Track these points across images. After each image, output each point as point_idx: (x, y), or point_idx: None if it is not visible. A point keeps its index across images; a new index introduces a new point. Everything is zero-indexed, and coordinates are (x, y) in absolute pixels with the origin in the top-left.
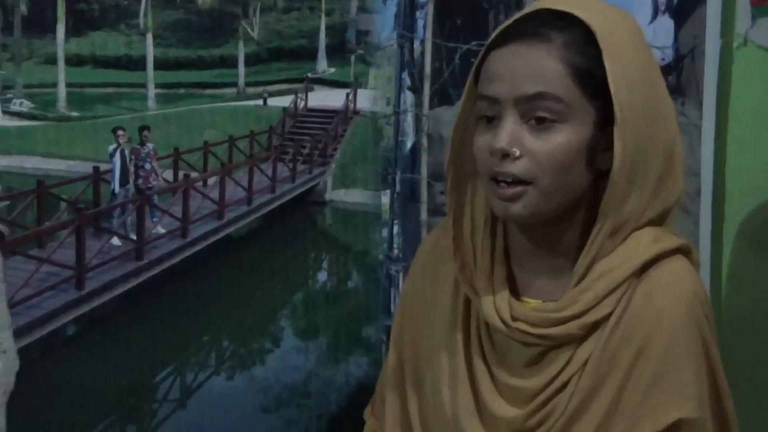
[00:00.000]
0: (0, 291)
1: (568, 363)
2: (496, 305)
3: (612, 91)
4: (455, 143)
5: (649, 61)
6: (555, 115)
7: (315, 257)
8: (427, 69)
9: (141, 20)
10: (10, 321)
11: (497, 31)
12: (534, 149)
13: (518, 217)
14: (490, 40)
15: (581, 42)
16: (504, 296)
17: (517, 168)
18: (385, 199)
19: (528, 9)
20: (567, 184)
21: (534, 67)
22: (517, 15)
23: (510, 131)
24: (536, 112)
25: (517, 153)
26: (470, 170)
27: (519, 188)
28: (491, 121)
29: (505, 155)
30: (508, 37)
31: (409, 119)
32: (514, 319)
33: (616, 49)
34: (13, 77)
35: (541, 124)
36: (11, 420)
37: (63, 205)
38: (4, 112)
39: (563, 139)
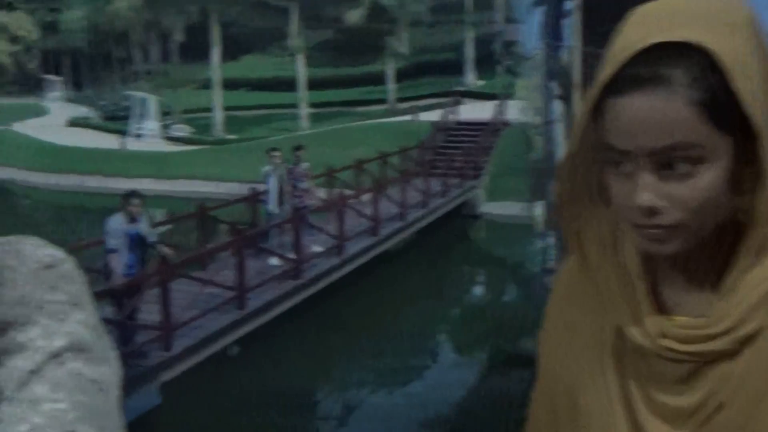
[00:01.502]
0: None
1: (722, 380)
2: (642, 324)
3: (748, 112)
4: (567, 169)
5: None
6: (694, 160)
7: (469, 271)
8: (576, 77)
9: (291, 42)
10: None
11: (609, 69)
12: (680, 198)
13: (670, 254)
14: (604, 77)
15: (703, 73)
16: (649, 314)
17: (665, 219)
18: (538, 210)
19: (637, 44)
20: (716, 215)
21: (662, 118)
22: (627, 54)
23: (651, 185)
24: (674, 161)
25: (663, 207)
26: (583, 191)
27: (669, 231)
28: (622, 163)
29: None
30: (625, 83)
31: (559, 128)
32: (663, 336)
33: (738, 61)
34: (172, 103)
35: (681, 170)
36: None
37: (222, 226)
38: (165, 138)
39: (707, 180)
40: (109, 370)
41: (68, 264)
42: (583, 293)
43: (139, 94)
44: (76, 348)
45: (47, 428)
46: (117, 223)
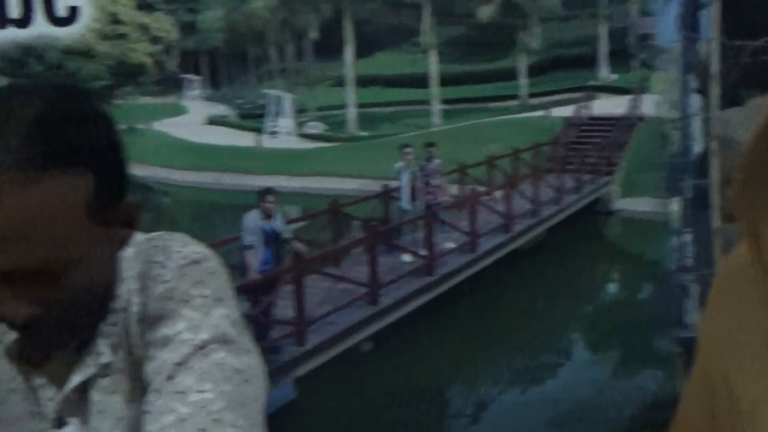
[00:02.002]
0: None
1: None
2: None
3: None
4: (749, 159)
5: None
6: None
7: (603, 269)
8: (714, 69)
9: (423, 38)
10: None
11: None
12: None
13: None
14: None
15: None
16: None
17: None
18: (674, 206)
19: None
20: None
21: None
22: None
23: None
24: None
25: None
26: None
27: None
28: None
29: None
30: None
31: (697, 123)
32: None
33: None
34: (306, 101)
35: None
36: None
37: (355, 223)
38: (300, 135)
39: None
40: (252, 361)
41: (213, 260)
42: (752, 287)
43: (275, 92)
44: (221, 340)
45: (194, 418)
46: (253, 219)
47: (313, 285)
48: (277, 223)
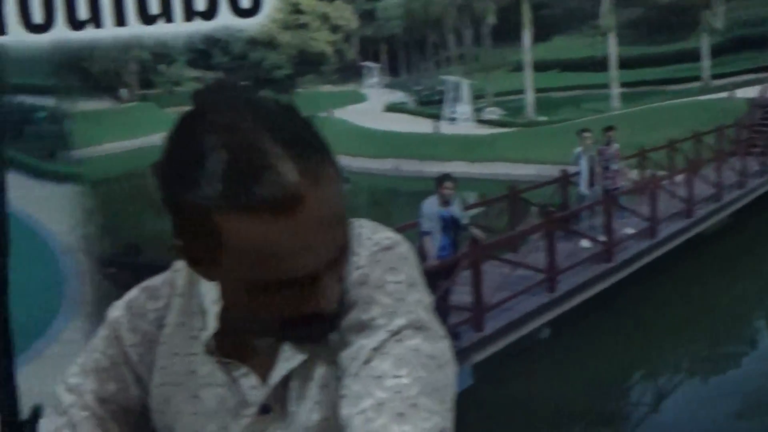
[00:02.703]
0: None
1: None
2: None
3: None
4: None
5: None
6: None
7: None
8: None
9: (602, 21)
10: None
11: None
12: None
13: None
14: None
15: None
16: None
17: None
18: None
19: None
20: None
21: None
22: None
23: None
24: None
25: None
26: None
27: None
28: None
29: None
30: None
31: None
32: None
33: None
34: (484, 86)
35: None
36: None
37: (533, 209)
38: (478, 121)
39: None
40: (445, 347)
41: (404, 245)
42: None
43: (453, 78)
44: (415, 326)
45: (391, 402)
46: (431, 206)
47: (491, 271)
48: (455, 209)
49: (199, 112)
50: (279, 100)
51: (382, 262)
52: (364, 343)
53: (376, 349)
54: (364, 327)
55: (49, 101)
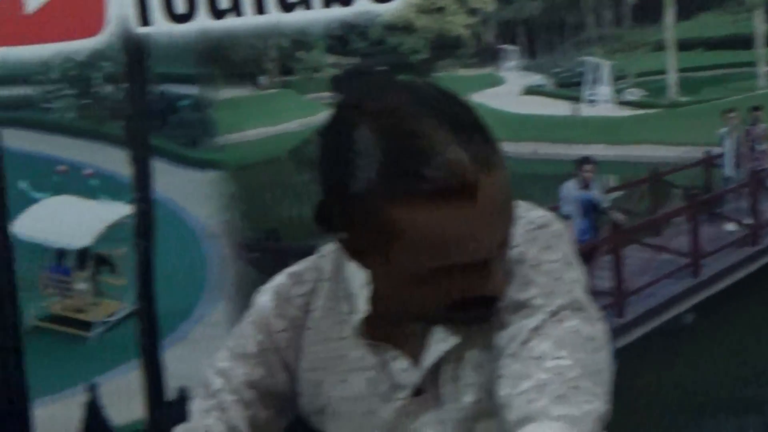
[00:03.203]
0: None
1: None
2: None
3: None
4: None
5: None
6: None
7: None
8: None
9: None
10: None
11: None
12: None
13: None
14: None
15: None
16: None
17: None
18: None
19: None
20: None
21: None
22: None
23: None
24: None
25: None
26: None
27: None
28: None
29: None
30: None
31: None
32: None
33: None
34: (625, 67)
35: None
36: (624, 401)
37: (676, 192)
38: (618, 103)
39: None
40: (601, 328)
41: (557, 224)
42: None
43: (593, 59)
44: (573, 307)
45: (552, 384)
46: (570, 189)
47: (632, 255)
48: (595, 193)
49: (356, 100)
50: (437, 84)
51: (537, 240)
52: (523, 324)
53: (535, 330)
54: (521, 307)
55: (192, 90)
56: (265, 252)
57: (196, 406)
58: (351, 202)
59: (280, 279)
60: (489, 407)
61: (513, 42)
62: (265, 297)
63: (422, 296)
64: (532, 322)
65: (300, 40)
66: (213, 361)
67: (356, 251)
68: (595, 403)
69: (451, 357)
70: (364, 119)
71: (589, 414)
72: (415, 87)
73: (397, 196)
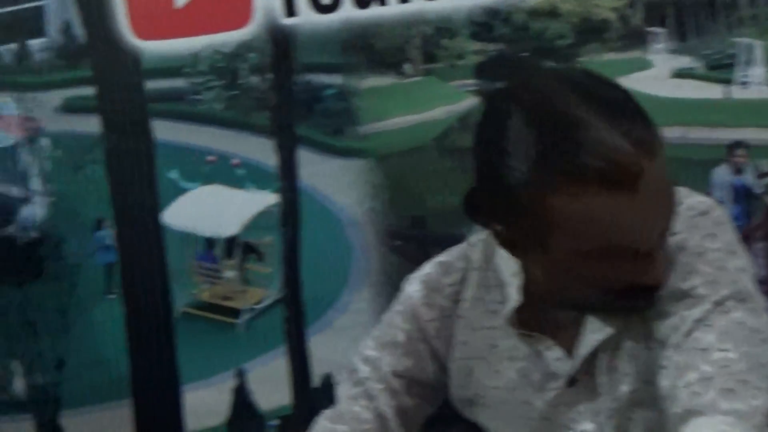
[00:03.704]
0: None
1: None
2: None
3: None
4: None
5: None
6: None
7: None
8: None
9: None
10: None
11: None
12: None
13: None
14: None
15: None
16: None
17: None
18: None
19: None
20: None
21: None
22: None
23: None
24: None
25: None
26: None
27: None
28: None
29: None
30: None
31: None
32: None
33: None
34: None
35: None
36: None
37: None
38: None
39: None
40: (766, 320)
41: (718, 210)
42: None
43: (745, 40)
44: (738, 297)
45: (719, 377)
46: (722, 174)
47: None
48: (748, 178)
49: (509, 90)
50: (589, 70)
51: (699, 227)
52: (687, 314)
53: (700, 321)
54: (684, 296)
55: (336, 79)
56: (410, 240)
57: (343, 392)
58: (507, 192)
59: (428, 269)
60: (645, 397)
61: (661, 24)
62: (413, 286)
63: (580, 286)
64: (695, 312)
65: (444, 27)
66: (360, 349)
67: (511, 241)
68: (762, 398)
69: (607, 346)
70: (519, 109)
71: (757, 409)
72: (567, 73)
73: (558, 186)
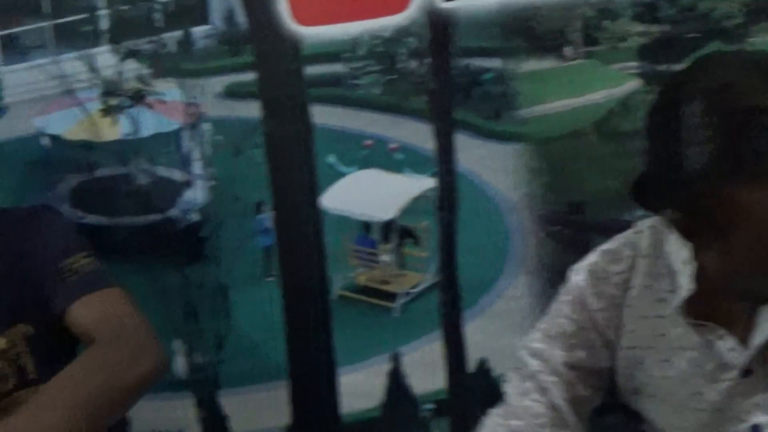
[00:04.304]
0: None
1: None
2: None
3: None
4: None
5: None
6: None
7: None
8: None
9: None
10: None
11: None
12: None
13: None
14: None
15: None
16: None
17: None
18: None
19: None
20: None
21: None
22: None
23: None
24: None
25: None
26: None
27: None
28: None
29: None
30: None
31: None
32: None
33: None
34: None
35: None
36: None
37: None
38: None
39: None
40: None
41: None
42: None
43: None
44: None
45: None
46: None
47: None
48: None
49: (688, 76)
50: None
51: None
52: None
53: None
54: None
55: (495, 63)
56: (568, 225)
57: (512, 388)
58: (686, 180)
59: (594, 257)
60: None
61: None
62: (580, 276)
63: (760, 277)
64: None
65: (605, 8)
66: (525, 343)
67: (688, 229)
68: None
69: None
70: (700, 94)
71: None
72: (748, 56)
73: (744, 178)
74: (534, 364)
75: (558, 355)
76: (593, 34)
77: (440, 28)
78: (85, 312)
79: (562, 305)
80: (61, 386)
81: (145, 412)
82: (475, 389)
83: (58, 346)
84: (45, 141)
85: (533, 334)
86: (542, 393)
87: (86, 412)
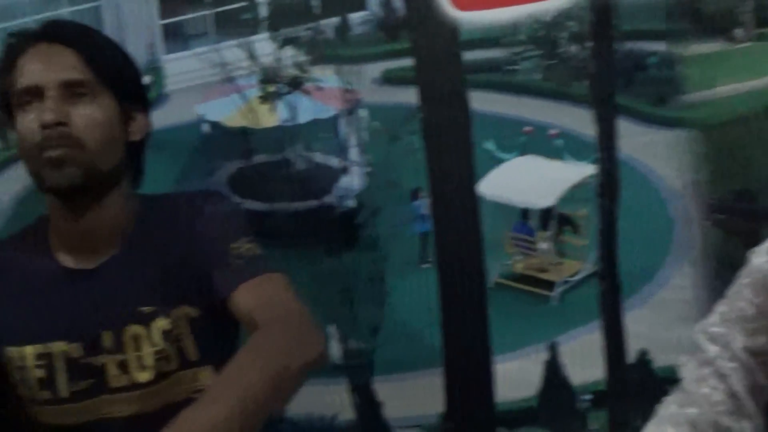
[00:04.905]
0: None
1: None
2: None
3: None
4: None
5: None
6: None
7: None
8: None
9: None
10: None
11: None
12: None
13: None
14: None
15: None
16: None
17: None
18: None
19: None
20: None
21: None
22: None
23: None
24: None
25: None
26: None
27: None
28: None
29: None
30: None
31: None
32: None
33: None
34: None
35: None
36: None
37: None
38: None
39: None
40: None
41: None
42: None
43: None
44: None
45: None
46: None
47: None
48: None
49: None
50: None
51: None
52: None
53: None
54: None
55: (660, 46)
56: (736, 214)
57: (689, 374)
58: None
59: None
60: None
61: None
62: (762, 258)
63: None
64: None
65: None
66: (703, 327)
67: None
68: None
69: None
70: None
71: None
72: None
73: None
74: (712, 349)
75: (738, 339)
76: (766, 15)
77: (602, 11)
78: (248, 297)
79: (743, 288)
80: (232, 378)
81: (299, 397)
82: (635, 381)
83: (218, 330)
84: (205, 127)
85: (711, 317)
86: (721, 379)
87: (257, 404)
